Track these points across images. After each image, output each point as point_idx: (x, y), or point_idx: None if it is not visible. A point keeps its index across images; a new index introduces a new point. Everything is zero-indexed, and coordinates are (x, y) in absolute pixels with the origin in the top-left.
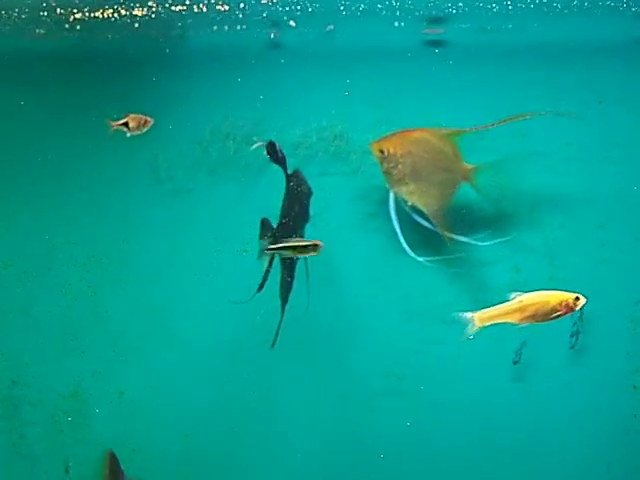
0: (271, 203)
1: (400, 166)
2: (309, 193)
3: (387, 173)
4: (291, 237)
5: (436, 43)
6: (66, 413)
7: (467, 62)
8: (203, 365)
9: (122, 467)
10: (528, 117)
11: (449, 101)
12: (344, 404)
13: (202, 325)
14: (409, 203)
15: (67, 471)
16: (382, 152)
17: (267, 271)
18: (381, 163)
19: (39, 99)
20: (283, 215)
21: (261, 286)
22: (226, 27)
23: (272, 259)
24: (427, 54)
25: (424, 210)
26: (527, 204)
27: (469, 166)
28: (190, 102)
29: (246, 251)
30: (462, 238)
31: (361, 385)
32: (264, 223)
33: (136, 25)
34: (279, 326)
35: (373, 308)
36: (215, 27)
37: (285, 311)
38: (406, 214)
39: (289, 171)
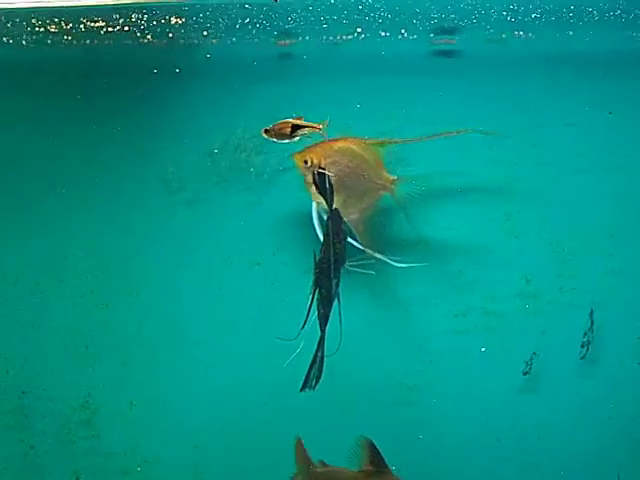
0: (282, 213)
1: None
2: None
3: (310, 184)
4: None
5: (446, 53)
6: (77, 424)
7: (476, 71)
8: (214, 377)
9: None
10: (457, 134)
11: (460, 112)
12: (356, 414)
13: (214, 337)
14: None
15: None
16: (306, 162)
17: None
18: (304, 174)
19: (49, 109)
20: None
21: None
22: (234, 39)
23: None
24: (438, 63)
25: (346, 220)
26: (537, 214)
27: (391, 177)
28: (200, 113)
29: (259, 263)
30: (379, 255)
31: (370, 395)
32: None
33: (148, 35)
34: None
35: (380, 318)
36: (225, 38)
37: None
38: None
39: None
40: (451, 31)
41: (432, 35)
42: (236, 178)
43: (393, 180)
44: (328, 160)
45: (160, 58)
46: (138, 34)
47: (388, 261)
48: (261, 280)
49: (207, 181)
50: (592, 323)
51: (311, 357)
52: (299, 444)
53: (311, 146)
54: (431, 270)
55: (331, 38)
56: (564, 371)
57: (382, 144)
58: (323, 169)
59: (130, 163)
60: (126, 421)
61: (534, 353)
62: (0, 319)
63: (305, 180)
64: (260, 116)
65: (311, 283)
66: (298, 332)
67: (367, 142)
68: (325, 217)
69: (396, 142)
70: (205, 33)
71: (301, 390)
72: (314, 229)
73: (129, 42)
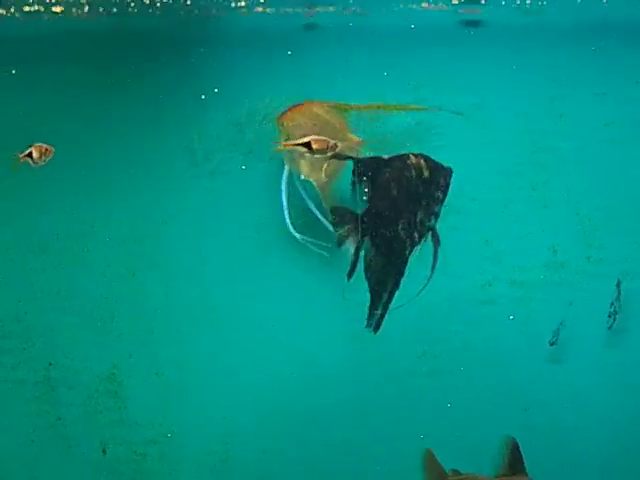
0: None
1: (291, 139)
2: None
3: (285, 147)
4: (390, 224)
5: (473, 23)
6: (103, 395)
7: (505, 41)
8: (240, 346)
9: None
10: (418, 109)
11: (488, 81)
12: (381, 384)
13: (240, 306)
14: (302, 177)
15: (104, 452)
16: (280, 125)
17: (355, 257)
18: (281, 137)
19: (74, 79)
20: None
21: (351, 273)
22: (260, 8)
23: (359, 246)
24: (464, 34)
25: (314, 184)
26: (564, 184)
27: (356, 138)
28: (226, 83)
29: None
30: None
31: (397, 364)
32: (337, 211)
33: (176, 5)
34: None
35: (408, 287)
36: (252, 7)
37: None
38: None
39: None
40: (477, 1)
41: (458, 3)
42: (262, 148)
43: (359, 142)
44: (294, 123)
45: (188, 28)
46: (166, 4)
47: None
48: (287, 249)
49: (234, 151)
50: (619, 293)
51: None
52: (429, 455)
53: (286, 109)
54: (458, 240)
55: (359, 9)
56: (591, 341)
57: (345, 109)
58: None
59: (156, 133)
60: (152, 392)
61: (561, 323)
62: (26, 290)
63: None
64: (287, 86)
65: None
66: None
67: (330, 106)
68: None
69: (358, 108)
70: (233, 4)
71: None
72: (281, 192)
73: (157, 12)
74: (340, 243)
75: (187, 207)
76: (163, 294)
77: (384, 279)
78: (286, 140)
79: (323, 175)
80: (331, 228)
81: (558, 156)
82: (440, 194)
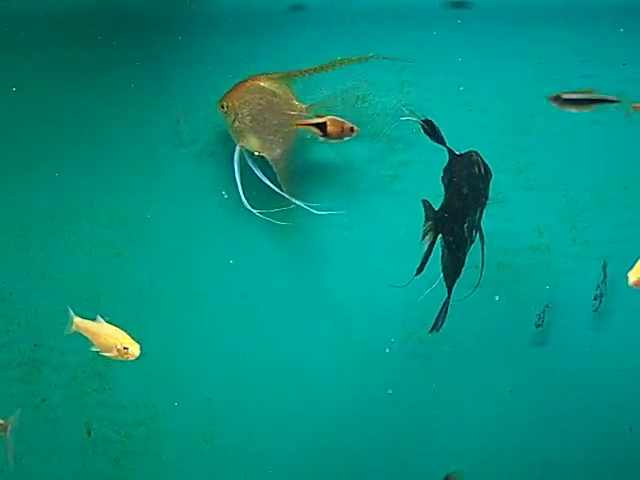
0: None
1: (239, 117)
2: (486, 176)
3: (230, 128)
4: (460, 221)
5: (459, 4)
6: (88, 376)
7: (491, 23)
8: (226, 327)
9: None
10: (358, 61)
11: (473, 63)
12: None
13: (225, 285)
14: (256, 154)
15: (89, 434)
16: (223, 107)
17: (428, 251)
18: (226, 119)
19: (60, 60)
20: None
21: (421, 268)
22: None
23: (434, 240)
24: (451, 15)
25: (268, 159)
26: (550, 166)
27: (304, 105)
28: (212, 65)
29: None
30: (298, 202)
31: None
32: (426, 205)
33: None
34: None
35: (395, 270)
36: None
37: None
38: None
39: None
40: None
41: None
42: None
43: (307, 108)
44: (240, 101)
45: (173, 8)
46: None
47: (306, 207)
48: (270, 230)
49: (220, 133)
50: (605, 276)
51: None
52: None
53: (227, 91)
54: None
55: None
56: (577, 324)
57: (289, 77)
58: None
59: (142, 115)
60: (137, 373)
61: (547, 306)
62: (11, 270)
63: (227, 125)
64: (273, 67)
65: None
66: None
67: (275, 77)
68: (249, 161)
69: (302, 73)
70: None
71: (430, 331)
72: (233, 172)
73: None
74: (423, 236)
75: (173, 188)
76: (149, 275)
77: (452, 277)
78: (234, 120)
79: (277, 150)
80: (290, 199)
81: (544, 138)
82: (487, 191)
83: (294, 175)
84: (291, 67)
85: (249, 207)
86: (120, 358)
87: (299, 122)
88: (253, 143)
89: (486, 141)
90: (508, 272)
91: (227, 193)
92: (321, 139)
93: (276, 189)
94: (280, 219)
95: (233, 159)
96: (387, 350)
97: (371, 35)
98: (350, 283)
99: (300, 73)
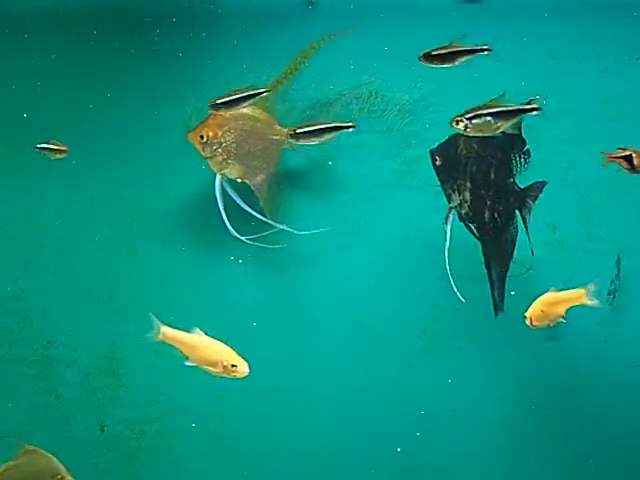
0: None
1: (223, 146)
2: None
3: (211, 158)
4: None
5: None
6: (101, 373)
7: (505, 17)
8: (240, 323)
9: None
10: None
11: (487, 57)
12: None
13: (240, 283)
14: (238, 181)
15: (102, 430)
16: (202, 138)
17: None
18: (203, 150)
19: (69, 53)
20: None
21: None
22: None
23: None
24: (463, 9)
25: (251, 185)
26: (564, 161)
27: (284, 129)
28: (224, 60)
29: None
30: (281, 226)
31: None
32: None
33: None
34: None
35: (408, 265)
36: None
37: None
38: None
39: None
40: None
41: None
42: None
43: (288, 132)
44: (224, 129)
45: (185, 5)
46: None
47: (289, 229)
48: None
49: None
50: (619, 271)
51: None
52: None
53: (202, 122)
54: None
55: None
56: (591, 318)
57: (263, 99)
58: None
59: (154, 110)
60: (151, 370)
61: None
62: (24, 267)
63: (205, 156)
64: (286, 62)
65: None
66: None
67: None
68: (229, 191)
69: (275, 86)
70: None
71: (496, 315)
72: (215, 201)
73: None
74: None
75: (186, 184)
76: (162, 271)
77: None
78: (215, 150)
79: (260, 175)
80: (272, 223)
81: (557, 133)
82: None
83: (277, 197)
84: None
85: (236, 234)
86: (225, 375)
87: (611, 155)
88: (235, 170)
89: None
90: (521, 267)
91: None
92: (625, 171)
93: (257, 215)
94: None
95: (214, 189)
96: None
97: (382, 29)
98: (363, 278)
99: (272, 87)
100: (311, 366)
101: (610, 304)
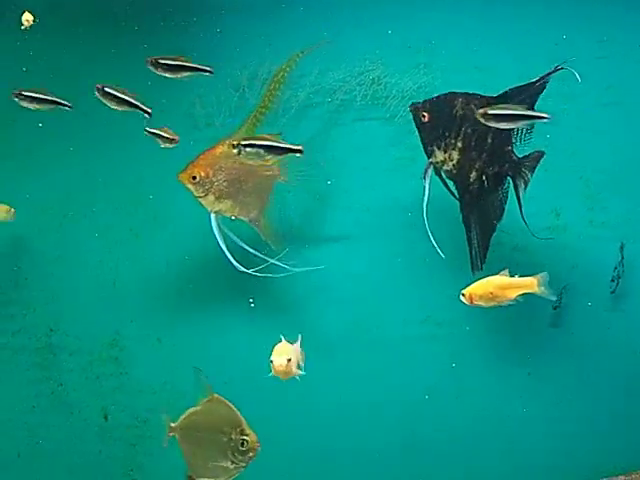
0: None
1: (216, 184)
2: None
3: (204, 197)
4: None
5: None
6: (105, 361)
7: (507, 5)
8: (243, 309)
9: None
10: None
11: (489, 45)
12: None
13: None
14: (232, 218)
15: (106, 418)
16: (194, 178)
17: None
18: (195, 190)
19: (80, 50)
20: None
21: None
22: None
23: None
24: None
25: (247, 221)
26: (567, 147)
27: (276, 168)
28: (227, 48)
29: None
30: (272, 260)
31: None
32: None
33: None
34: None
35: (412, 252)
36: None
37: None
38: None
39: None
40: None
41: None
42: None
43: (279, 168)
44: (215, 168)
45: None
46: None
47: (283, 266)
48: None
49: (234, 116)
50: (622, 257)
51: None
52: None
53: (192, 162)
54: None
55: None
56: (594, 305)
57: (252, 128)
58: None
59: (158, 97)
60: (154, 358)
61: (564, 287)
62: (27, 254)
63: (197, 195)
64: (289, 50)
65: None
66: None
67: (234, 141)
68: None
69: (254, 122)
70: None
71: (473, 274)
72: (215, 239)
73: None
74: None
75: None
76: (165, 259)
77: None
78: (207, 189)
79: (254, 211)
80: (263, 257)
81: (560, 119)
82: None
83: (276, 230)
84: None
85: (243, 269)
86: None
87: None
88: (229, 208)
89: None
90: (525, 254)
91: None
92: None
93: (250, 250)
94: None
95: (212, 228)
96: None
97: (385, 15)
98: (367, 264)
99: (257, 117)
100: (311, 353)
101: (613, 291)
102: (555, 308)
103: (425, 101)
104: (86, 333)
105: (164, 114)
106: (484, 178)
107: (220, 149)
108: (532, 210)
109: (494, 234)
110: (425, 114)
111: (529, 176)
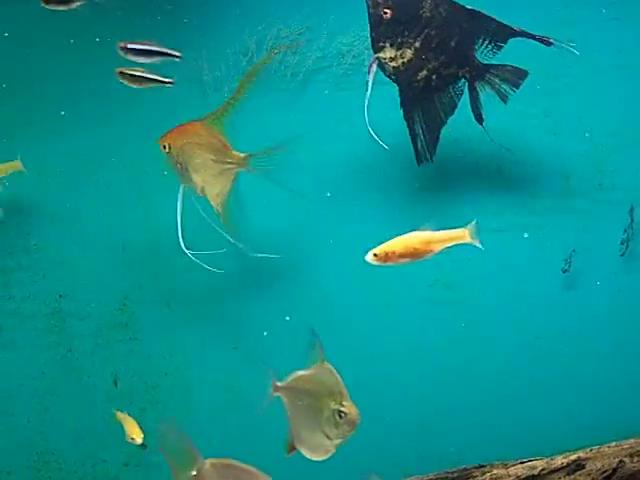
0: (319, 113)
1: (181, 159)
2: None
3: (173, 167)
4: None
5: None
6: (114, 327)
7: None
8: (250, 277)
9: None
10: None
11: (496, 5)
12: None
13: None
14: (199, 194)
15: (116, 384)
16: (164, 147)
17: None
18: (168, 159)
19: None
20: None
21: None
22: None
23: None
24: None
25: (210, 201)
26: (576, 110)
27: (242, 154)
28: (234, 11)
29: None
30: (238, 244)
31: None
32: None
33: None
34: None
35: (420, 215)
36: None
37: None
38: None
39: None
40: None
41: None
42: (271, 79)
43: (245, 157)
44: (180, 142)
45: None
46: None
47: (244, 250)
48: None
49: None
50: (632, 220)
51: None
52: None
53: (169, 131)
54: (469, 167)
55: None
56: (604, 268)
57: (216, 120)
58: None
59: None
60: (163, 323)
61: (573, 250)
62: (36, 219)
63: (170, 165)
64: (295, 16)
65: None
66: None
67: (208, 122)
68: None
69: (225, 109)
70: None
71: (418, 165)
72: (176, 212)
73: None
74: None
75: None
76: (173, 222)
77: None
78: (176, 161)
79: (216, 191)
80: (232, 240)
81: (569, 82)
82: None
83: (233, 214)
84: (317, 12)
85: (185, 250)
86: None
87: None
88: (196, 185)
89: None
90: (534, 217)
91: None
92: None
93: (217, 228)
94: None
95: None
96: None
97: None
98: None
99: (223, 110)
100: (324, 320)
101: (622, 254)
102: (564, 271)
103: None
104: (95, 299)
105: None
106: (434, 77)
107: (189, 127)
108: (541, 174)
109: (443, 127)
110: (387, 10)
111: (500, 85)
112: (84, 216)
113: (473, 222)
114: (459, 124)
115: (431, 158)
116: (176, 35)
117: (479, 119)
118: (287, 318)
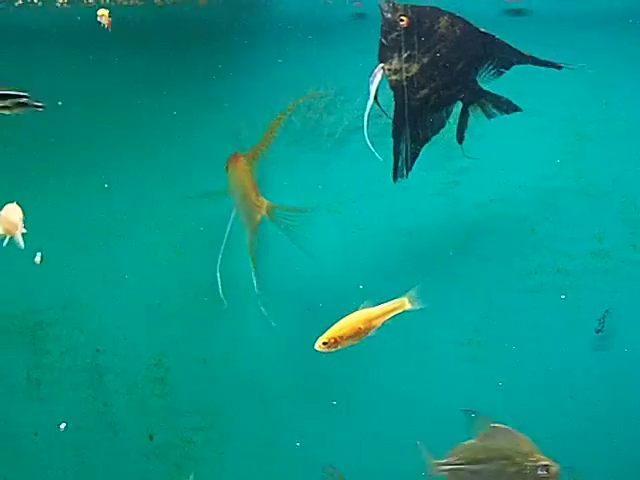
0: (354, 170)
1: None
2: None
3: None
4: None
5: (518, 12)
6: (150, 382)
7: (549, 28)
8: (282, 331)
9: None
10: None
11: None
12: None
13: (278, 292)
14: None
15: (151, 438)
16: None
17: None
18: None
19: (132, 66)
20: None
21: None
22: None
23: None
24: (507, 23)
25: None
26: (609, 172)
27: (267, 202)
28: (273, 72)
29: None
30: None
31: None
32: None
33: None
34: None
35: (453, 274)
36: None
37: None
38: None
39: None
40: None
41: None
42: (307, 138)
43: (269, 206)
44: (236, 173)
45: (237, 16)
46: None
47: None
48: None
49: (278, 141)
50: None
51: None
52: None
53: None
54: (504, 228)
55: None
56: (637, 329)
57: (252, 161)
58: None
59: (205, 122)
60: (199, 378)
61: (607, 311)
62: (73, 275)
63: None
64: (332, 76)
65: None
66: None
67: (245, 165)
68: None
69: (260, 150)
70: None
71: (395, 181)
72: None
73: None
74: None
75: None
76: (210, 279)
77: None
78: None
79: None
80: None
81: (602, 144)
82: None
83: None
84: (353, 74)
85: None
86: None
87: None
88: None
89: (544, 147)
90: (568, 277)
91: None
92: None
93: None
94: None
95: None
96: None
97: None
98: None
99: (256, 152)
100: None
101: None
102: (598, 332)
103: (406, 6)
104: (132, 354)
105: (211, 137)
106: (433, 97)
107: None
108: (575, 235)
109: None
110: (404, 18)
111: (491, 109)
112: (120, 272)
113: (411, 290)
114: (495, 186)
115: (406, 174)
116: (215, 92)
117: (460, 139)
118: None
